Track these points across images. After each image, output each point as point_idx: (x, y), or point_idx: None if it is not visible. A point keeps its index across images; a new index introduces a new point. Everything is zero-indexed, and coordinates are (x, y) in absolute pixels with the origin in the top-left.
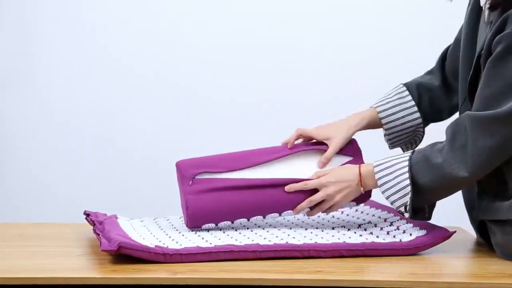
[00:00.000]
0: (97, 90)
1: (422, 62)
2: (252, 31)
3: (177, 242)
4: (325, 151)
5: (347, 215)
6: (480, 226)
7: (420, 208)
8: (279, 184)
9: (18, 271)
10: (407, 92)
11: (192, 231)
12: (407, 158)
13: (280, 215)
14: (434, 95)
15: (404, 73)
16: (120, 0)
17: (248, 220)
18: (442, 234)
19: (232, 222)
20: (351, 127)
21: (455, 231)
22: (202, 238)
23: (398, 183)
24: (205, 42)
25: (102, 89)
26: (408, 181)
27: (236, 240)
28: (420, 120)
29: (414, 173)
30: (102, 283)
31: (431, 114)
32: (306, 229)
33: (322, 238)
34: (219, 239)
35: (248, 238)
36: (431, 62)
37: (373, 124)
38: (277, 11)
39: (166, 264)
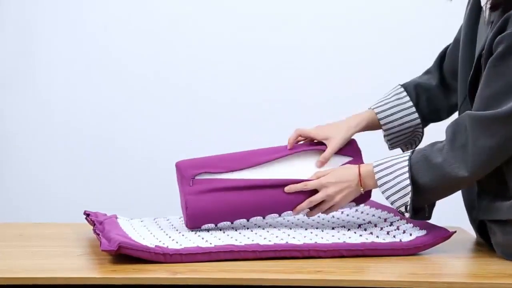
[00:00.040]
0: (97, 90)
1: (422, 62)
2: (252, 31)
3: (177, 242)
4: (324, 151)
5: (347, 215)
6: (480, 226)
7: (420, 208)
8: (279, 185)
9: (18, 271)
10: (405, 93)
11: (192, 231)
12: (407, 158)
13: (280, 215)
14: (432, 95)
15: (404, 73)
16: (120, 0)
17: (248, 220)
18: (442, 234)
19: (232, 223)
20: (351, 127)
21: (455, 231)
22: (202, 238)
23: (398, 183)
24: (205, 42)
25: (102, 89)
26: (408, 181)
27: (236, 240)
28: (418, 121)
29: (414, 173)
30: (102, 283)
31: (429, 114)
32: (306, 229)
33: (322, 238)
34: (219, 239)
35: (248, 238)
36: (431, 62)
37: (372, 125)
38: (277, 11)
39: (166, 264)
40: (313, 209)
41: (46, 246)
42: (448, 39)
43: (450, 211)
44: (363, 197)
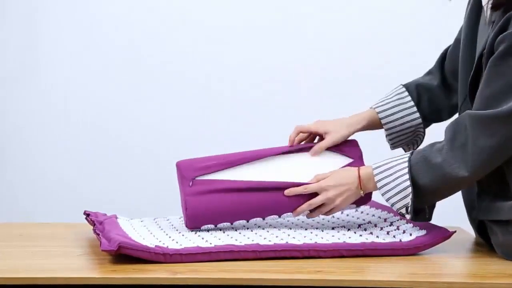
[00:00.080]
0: (96, 90)
1: (423, 62)
2: (252, 31)
3: (177, 242)
4: (325, 150)
5: (347, 215)
6: (480, 226)
7: (420, 209)
8: (279, 187)
9: (18, 271)
10: (406, 93)
11: (192, 231)
12: (406, 159)
13: (279, 217)
14: (433, 95)
15: (405, 74)
16: None
17: (248, 221)
18: (442, 234)
19: (232, 224)
20: (351, 125)
21: (455, 231)
22: (202, 238)
23: (398, 184)
24: (208, 40)
25: (102, 89)
26: (408, 183)
27: (236, 240)
28: (419, 120)
29: (414, 174)
30: (102, 283)
31: (430, 114)
32: (306, 229)
33: (322, 238)
34: (219, 239)
35: (248, 238)
36: (432, 62)
37: (372, 124)
38: (277, 12)
39: (166, 264)
40: (313, 211)
41: (46, 246)
42: (449, 39)
43: (450, 211)
44: (363, 199)
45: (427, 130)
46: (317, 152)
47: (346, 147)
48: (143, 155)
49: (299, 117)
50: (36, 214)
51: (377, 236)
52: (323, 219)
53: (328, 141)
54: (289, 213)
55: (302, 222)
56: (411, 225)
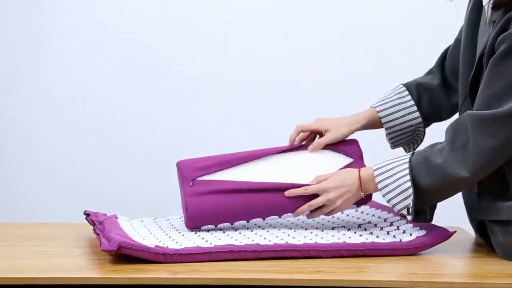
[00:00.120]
0: (96, 91)
1: (424, 62)
2: (252, 31)
3: (177, 242)
4: (325, 149)
5: (347, 215)
6: (480, 226)
7: (421, 210)
8: (279, 189)
9: (18, 271)
10: (406, 92)
11: (192, 231)
12: (407, 160)
13: (280, 217)
14: (433, 94)
15: (405, 74)
16: None
17: (248, 221)
18: (442, 234)
19: (232, 224)
20: (351, 123)
21: (455, 231)
22: (202, 238)
23: (399, 186)
24: (206, 41)
25: (101, 90)
26: (409, 184)
27: (236, 240)
28: (419, 120)
29: (415, 175)
30: (102, 283)
31: (431, 114)
32: (306, 229)
33: (322, 238)
34: (219, 239)
35: (248, 238)
36: (432, 62)
37: (372, 123)
38: (277, 11)
39: (166, 264)
40: (313, 211)
41: (46, 246)
42: (449, 39)
43: (450, 211)
44: (364, 199)
45: (427, 130)
46: (316, 148)
47: (346, 146)
48: (143, 155)
49: (299, 117)
50: (36, 214)
51: (377, 236)
52: (323, 219)
53: (327, 138)
54: (289, 213)
55: (302, 222)
56: (411, 225)
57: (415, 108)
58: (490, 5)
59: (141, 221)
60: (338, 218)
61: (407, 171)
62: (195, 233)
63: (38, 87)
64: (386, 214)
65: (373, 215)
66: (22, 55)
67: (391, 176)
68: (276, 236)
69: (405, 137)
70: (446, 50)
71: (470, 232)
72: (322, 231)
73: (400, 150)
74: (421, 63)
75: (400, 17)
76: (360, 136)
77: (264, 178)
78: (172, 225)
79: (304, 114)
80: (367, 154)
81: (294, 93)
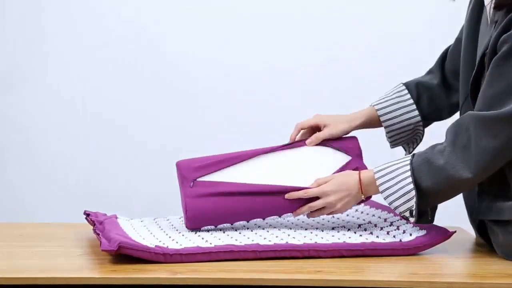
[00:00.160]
0: (96, 91)
1: (424, 62)
2: (252, 31)
3: (177, 242)
4: (324, 146)
5: (347, 215)
6: (480, 226)
7: (423, 211)
8: (279, 191)
9: (18, 271)
10: (406, 91)
11: (192, 231)
12: (408, 162)
13: (280, 217)
14: (433, 93)
15: (406, 74)
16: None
17: (248, 221)
18: (442, 234)
19: (232, 224)
20: (350, 121)
21: (455, 231)
22: (202, 238)
23: (401, 188)
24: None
25: (101, 90)
26: (411, 186)
27: (236, 240)
28: (418, 118)
29: (417, 177)
30: (102, 283)
31: (430, 113)
32: (306, 229)
33: (322, 238)
34: (219, 239)
35: (248, 238)
36: (433, 62)
37: (371, 122)
38: (277, 11)
39: (166, 264)
40: (313, 212)
41: (46, 246)
42: (450, 39)
43: (450, 211)
44: (363, 200)
45: (427, 130)
46: (313, 142)
47: (346, 143)
48: (143, 155)
49: (299, 117)
50: (36, 214)
51: (377, 236)
52: (323, 219)
53: (326, 133)
54: (289, 213)
55: (302, 222)
56: (411, 225)
57: (414, 107)
58: (492, 5)
59: (141, 221)
60: (338, 218)
61: (409, 173)
62: (195, 233)
63: (38, 87)
64: (386, 214)
65: (373, 215)
66: (22, 55)
67: (393, 178)
68: (276, 236)
69: (404, 136)
70: (447, 50)
71: (470, 232)
72: (322, 231)
73: (399, 149)
74: (421, 62)
75: (400, 17)
76: (360, 136)
77: (264, 176)
78: (172, 225)
79: (304, 114)
80: (367, 153)
81: (294, 93)
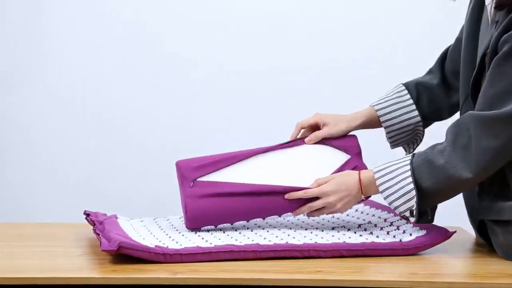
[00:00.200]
0: (96, 91)
1: (424, 62)
2: (253, 31)
3: (177, 242)
4: (324, 145)
5: (347, 215)
6: (480, 226)
7: (423, 211)
8: (279, 192)
9: (18, 271)
10: (405, 91)
11: (192, 231)
12: (408, 162)
13: (279, 217)
14: (433, 93)
15: (406, 74)
16: None
17: (248, 221)
18: (442, 234)
19: (232, 224)
20: (350, 120)
21: (455, 231)
22: (202, 238)
23: (401, 188)
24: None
25: (101, 90)
26: (412, 186)
27: (236, 240)
28: (418, 118)
29: (417, 177)
30: (102, 283)
31: (430, 113)
32: (306, 229)
33: (322, 238)
34: (219, 239)
35: (248, 238)
36: (433, 62)
37: (371, 122)
38: (276, 11)
39: (166, 264)
40: (313, 212)
41: (46, 246)
42: (450, 39)
43: (450, 211)
44: (363, 200)
45: (427, 130)
46: (312, 140)
47: (345, 142)
48: (143, 155)
49: (299, 117)
50: (36, 214)
51: (377, 236)
52: (323, 219)
53: (325, 131)
54: (289, 213)
55: (302, 222)
56: (411, 225)
57: (413, 107)
58: (493, 5)
59: (141, 221)
60: (338, 218)
61: (409, 173)
62: (195, 233)
63: (38, 87)
64: (386, 214)
65: (373, 215)
66: (22, 55)
67: (393, 178)
68: (276, 236)
69: (404, 136)
70: (447, 50)
71: (470, 232)
72: (322, 231)
73: (399, 149)
74: (421, 62)
75: (400, 17)
76: (360, 136)
77: (263, 175)
78: (172, 225)
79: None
80: (367, 153)
81: (294, 93)
